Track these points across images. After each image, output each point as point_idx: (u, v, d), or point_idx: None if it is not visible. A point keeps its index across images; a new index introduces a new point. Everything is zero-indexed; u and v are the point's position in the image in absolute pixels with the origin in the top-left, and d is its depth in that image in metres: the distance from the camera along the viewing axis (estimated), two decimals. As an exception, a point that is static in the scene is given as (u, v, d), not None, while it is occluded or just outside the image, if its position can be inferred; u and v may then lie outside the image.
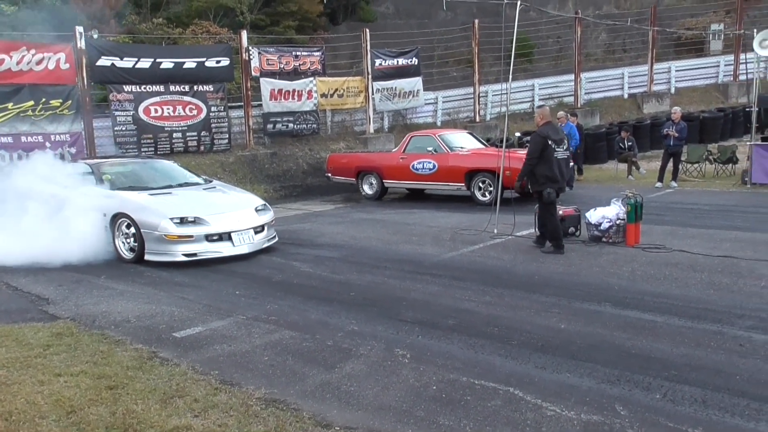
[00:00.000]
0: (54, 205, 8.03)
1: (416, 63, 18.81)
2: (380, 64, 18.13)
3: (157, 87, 14.58)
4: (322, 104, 17.24)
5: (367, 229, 9.66)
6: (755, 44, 12.99)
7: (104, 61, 13.91)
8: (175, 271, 7.17)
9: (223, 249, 7.60)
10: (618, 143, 15.68)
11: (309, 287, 6.37)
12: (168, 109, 14.74)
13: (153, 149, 14.29)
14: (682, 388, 3.82)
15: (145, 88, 14.42)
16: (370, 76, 17.82)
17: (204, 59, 15.18)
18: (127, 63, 14.18)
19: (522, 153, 11.99)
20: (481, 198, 11.42)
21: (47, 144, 12.96)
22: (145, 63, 14.38)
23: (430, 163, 12.03)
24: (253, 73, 16.07)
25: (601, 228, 7.99)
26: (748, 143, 13.49)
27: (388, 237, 8.94)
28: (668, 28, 23.74)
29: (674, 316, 5.09)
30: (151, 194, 8.09)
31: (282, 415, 3.62)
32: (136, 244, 7.65)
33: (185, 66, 14.91)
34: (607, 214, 8.02)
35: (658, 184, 13.26)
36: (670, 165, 13.38)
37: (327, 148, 17.00)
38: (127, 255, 7.76)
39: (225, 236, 7.62)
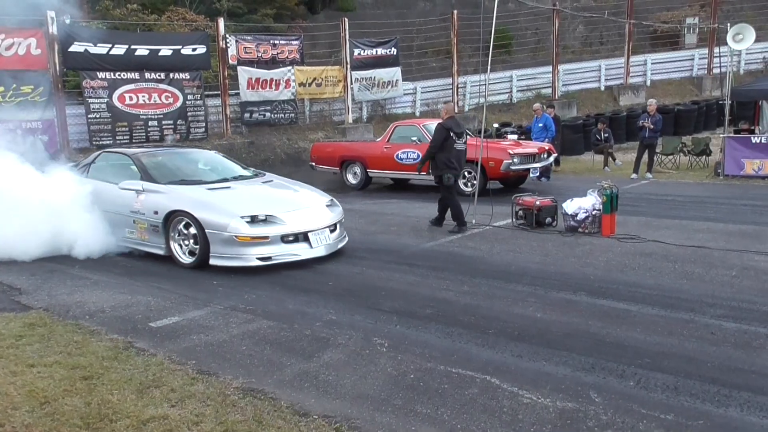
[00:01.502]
0: (99, 201, 7.39)
1: (395, 53, 18.76)
2: (359, 54, 18.05)
3: (132, 74, 14.35)
4: (300, 93, 17.13)
5: (346, 218, 9.63)
6: (729, 38, 13.20)
7: (77, 47, 13.64)
8: (150, 261, 7.08)
9: (301, 251, 6.68)
10: (595, 135, 15.85)
11: (286, 277, 6.35)
12: (143, 96, 14.52)
13: (128, 137, 14.09)
14: (654, 375, 3.89)
15: (119, 75, 14.18)
16: (348, 66, 17.74)
17: (180, 47, 14.96)
18: (101, 49, 13.92)
19: (505, 144, 12.13)
20: (463, 188, 11.45)
21: (19, 131, 12.69)
22: (119, 49, 14.13)
23: (414, 152, 12.02)
24: (230, 61, 15.89)
25: (578, 218, 8.08)
26: (721, 135, 13.72)
27: (367, 227, 8.93)
28: (644, 21, 23.99)
29: (648, 305, 5.18)
30: (210, 189, 7.15)
31: (260, 405, 3.61)
32: (197, 246, 6.66)
33: (161, 53, 14.68)
34: (583, 204, 8.11)
35: (634, 176, 13.44)
36: (646, 157, 13.57)
37: (305, 137, 16.91)
38: (185, 259, 6.78)
39: (301, 237, 6.70)
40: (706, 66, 23.51)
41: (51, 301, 5.72)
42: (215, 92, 16.32)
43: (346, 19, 17.97)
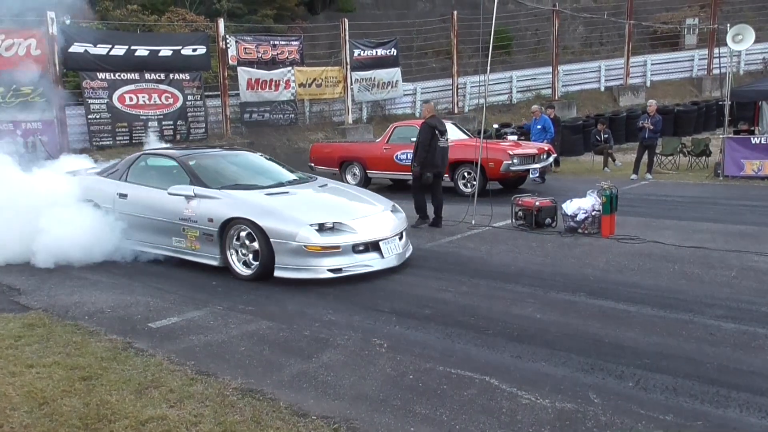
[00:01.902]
0: (141, 208, 6.98)
1: (395, 54, 18.79)
2: (359, 55, 18.08)
3: (132, 75, 14.40)
4: (300, 94, 17.15)
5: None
6: (728, 39, 13.20)
7: (77, 48, 13.67)
8: (149, 262, 7.07)
9: (373, 262, 6.20)
10: (594, 135, 15.86)
11: (285, 278, 6.34)
12: (143, 97, 14.56)
13: (128, 138, 14.11)
14: (653, 376, 3.89)
15: (119, 76, 14.22)
16: (348, 67, 17.76)
17: (180, 47, 14.99)
18: (101, 50, 13.95)
19: (505, 145, 12.13)
20: (463, 189, 11.45)
21: (18, 132, 12.72)
22: (119, 50, 14.17)
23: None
24: (230, 62, 15.92)
25: (577, 219, 8.08)
26: (720, 136, 13.73)
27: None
28: (644, 22, 24.01)
29: (647, 306, 5.17)
30: (268, 194, 6.60)
31: (258, 405, 3.61)
32: (257, 257, 6.16)
33: (161, 54, 14.72)
34: (582, 205, 8.10)
35: (634, 176, 13.44)
36: (645, 157, 13.57)
37: (305, 138, 16.92)
38: (244, 271, 6.26)
39: (371, 246, 6.22)
40: (705, 67, 23.53)
41: (50, 302, 5.72)
42: (215, 93, 16.34)
43: (346, 20, 18.00)
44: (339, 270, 6.00)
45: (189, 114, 15.22)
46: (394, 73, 18.77)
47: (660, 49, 25.01)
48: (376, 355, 4.33)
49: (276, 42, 16.81)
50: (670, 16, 25.88)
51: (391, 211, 6.85)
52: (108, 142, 13.81)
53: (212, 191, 6.56)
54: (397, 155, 12.34)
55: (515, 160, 11.26)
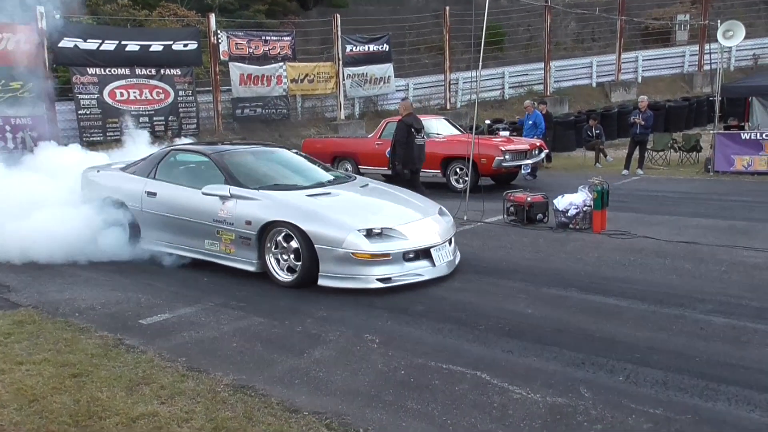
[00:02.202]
0: (172, 208, 6.56)
1: (387, 49, 18.77)
2: (351, 50, 18.04)
3: (123, 70, 14.32)
4: (292, 90, 17.11)
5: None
6: (719, 35, 13.26)
7: (67, 43, 13.57)
8: (140, 258, 7.02)
9: (423, 271, 5.76)
10: (586, 131, 15.90)
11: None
12: (134, 92, 14.49)
13: (119, 134, 14.03)
14: (644, 370, 3.91)
15: (110, 71, 14.13)
16: (340, 62, 17.72)
17: (171, 42, 14.92)
18: (91, 45, 13.86)
19: (497, 141, 12.15)
20: (456, 185, 11.45)
21: (7, 128, 12.62)
22: (109, 45, 14.08)
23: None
24: (221, 57, 15.85)
25: (569, 215, 8.11)
26: (711, 132, 13.81)
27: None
28: (636, 18, 24.07)
29: (638, 301, 5.20)
30: (310, 195, 6.14)
31: (250, 401, 3.61)
32: (298, 262, 5.76)
33: (151, 49, 14.64)
34: (574, 200, 8.13)
35: (625, 172, 13.50)
36: (637, 153, 13.62)
37: (297, 134, 16.88)
38: (284, 277, 5.84)
39: (422, 253, 5.81)
40: (696, 63, 23.64)
41: (40, 299, 5.68)
42: (207, 88, 16.26)
43: (338, 15, 17.96)
44: (388, 279, 5.56)
45: (180, 109, 15.15)
46: (387, 68, 18.75)
47: (651, 45, 25.11)
48: (368, 350, 4.33)
49: (268, 37, 16.75)
50: (662, 12, 25.97)
51: (439, 214, 6.41)
52: (98, 138, 13.72)
53: (250, 191, 6.09)
54: (389, 151, 12.33)
55: (507, 156, 11.28)
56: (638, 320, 4.77)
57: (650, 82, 23.01)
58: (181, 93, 15.10)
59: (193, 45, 15.20)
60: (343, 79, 17.82)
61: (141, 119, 14.44)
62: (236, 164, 6.62)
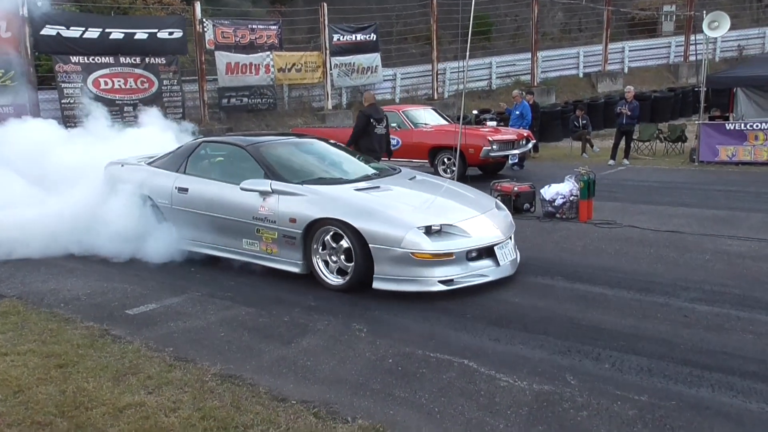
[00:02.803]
0: (205, 204, 6.12)
1: (375, 39, 18.69)
2: (338, 40, 17.95)
3: (107, 58, 14.14)
4: (279, 79, 17.00)
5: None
6: (704, 26, 13.33)
7: (49, 30, 13.38)
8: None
9: (488, 271, 5.29)
10: (573, 121, 15.96)
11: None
12: (119, 81, 14.33)
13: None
14: (629, 357, 3.95)
15: (93, 60, 13.96)
16: (327, 52, 17.63)
17: (156, 30, 14.75)
18: (74, 32, 13.67)
19: (484, 131, 12.16)
20: (443, 175, 11.46)
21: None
22: (93, 33, 13.89)
23: (393, 139, 11.98)
24: (207, 45, 15.71)
25: (555, 204, 8.15)
26: (696, 122, 13.91)
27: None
28: (622, 8, 24.15)
29: (623, 289, 5.24)
30: (359, 190, 5.67)
31: (238, 391, 3.60)
32: (349, 263, 5.29)
33: (136, 37, 14.48)
34: (560, 190, 8.17)
35: (611, 162, 13.58)
36: (623, 143, 13.70)
37: (284, 123, 16.80)
38: (333, 280, 5.38)
39: (485, 252, 5.35)
40: (682, 53, 23.79)
41: (24, 289, 5.63)
42: (192, 77, 16.12)
43: (325, 4, 17.83)
44: (450, 282, 5.08)
45: (165, 99, 15.00)
46: (374, 58, 18.69)
47: (638, 36, 25.22)
48: (356, 339, 4.34)
49: (254, 26, 16.61)
50: (648, 2, 26.09)
51: (496, 208, 5.97)
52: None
53: (293, 186, 5.62)
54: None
55: (495, 146, 11.30)
56: (624, 308, 4.82)
57: (636, 73, 23.13)
58: (165, 82, 14.96)
59: (178, 33, 15.04)
60: (330, 69, 17.74)
61: (125, 109, 14.29)
62: (276, 157, 6.14)
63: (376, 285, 5.13)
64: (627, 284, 5.37)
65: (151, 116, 9.52)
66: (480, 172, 12.05)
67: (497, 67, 21.64)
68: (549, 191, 8.26)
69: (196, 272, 6.07)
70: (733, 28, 15.49)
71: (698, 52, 15.83)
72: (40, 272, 6.15)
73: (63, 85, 13.57)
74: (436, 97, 19.80)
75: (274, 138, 6.90)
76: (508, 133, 12.20)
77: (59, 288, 5.64)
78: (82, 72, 13.78)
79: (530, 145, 12.78)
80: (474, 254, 5.25)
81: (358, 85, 18.96)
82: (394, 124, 12.23)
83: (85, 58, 13.80)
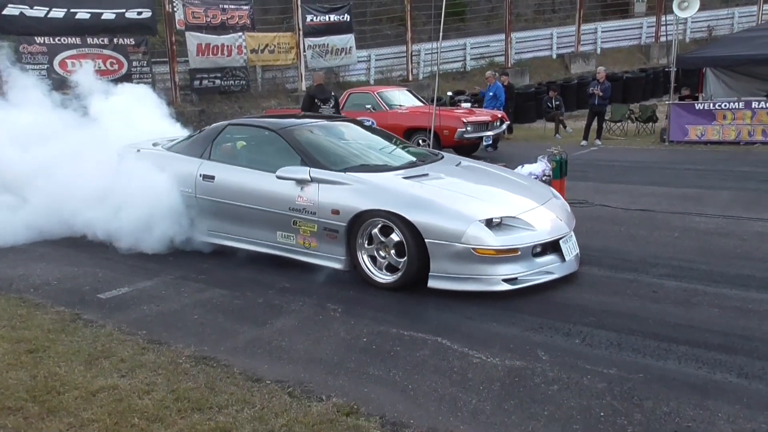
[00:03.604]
0: (233, 194, 5.65)
1: (348, 20, 18.52)
2: (311, 20, 17.75)
3: (73, 39, 13.80)
4: (252, 60, 16.79)
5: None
6: (675, 6, 13.46)
7: (12, 10, 13.01)
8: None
9: (554, 268, 4.84)
10: (546, 103, 16.07)
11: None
12: (86, 63, 13.96)
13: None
14: (599, 332, 4.03)
15: (59, 40, 13.62)
16: (301, 32, 17.43)
17: (124, 10, 14.44)
18: (38, 12, 13.31)
19: (459, 112, 12.17)
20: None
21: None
22: (58, 12, 13.54)
23: (368, 120, 11.95)
24: (177, 26, 15.42)
25: (529, 184, 8.21)
26: (667, 103, 14.09)
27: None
28: (595, -11, 24.25)
29: (594, 267, 5.32)
30: (407, 178, 5.18)
31: (212, 372, 3.60)
32: (401, 260, 4.84)
33: (103, 17, 14.16)
34: (534, 170, 8.21)
35: (584, 143, 13.72)
36: (595, 124, 13.84)
37: (258, 105, 16.62)
38: (382, 277, 4.92)
39: (549, 247, 4.89)
40: (654, 34, 24.01)
41: (-8, 275, 5.52)
42: (163, 59, 15.83)
43: (298, -16, 17.58)
44: (514, 280, 4.63)
45: (135, 80, 14.66)
46: (348, 39, 18.53)
47: (611, 17, 25.37)
48: (330, 319, 4.36)
49: (225, 6, 16.33)
50: (620, -17, 26.21)
51: (554, 197, 5.54)
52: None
53: (335, 174, 5.14)
54: None
55: (469, 128, 11.33)
56: (594, 285, 4.90)
57: (609, 54, 23.30)
58: (135, 63, 14.67)
59: (147, 13, 14.73)
60: (304, 50, 17.56)
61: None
62: (312, 141, 5.66)
63: (432, 284, 4.69)
64: (598, 262, 5.46)
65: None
66: (454, 153, 12.06)
67: (471, 48, 21.62)
68: (522, 171, 8.30)
69: (168, 255, 6.00)
70: (702, 8, 15.70)
71: (669, 32, 16.01)
72: (7, 257, 6.03)
73: (28, 66, 13.20)
74: (410, 78, 19.74)
75: (305, 121, 6.34)
76: (483, 115, 12.24)
77: (29, 273, 5.55)
78: (48, 53, 13.44)
79: (504, 127, 12.84)
80: (539, 249, 4.80)
81: (332, 67, 18.81)
82: (368, 106, 12.20)
83: (51, 38, 13.45)
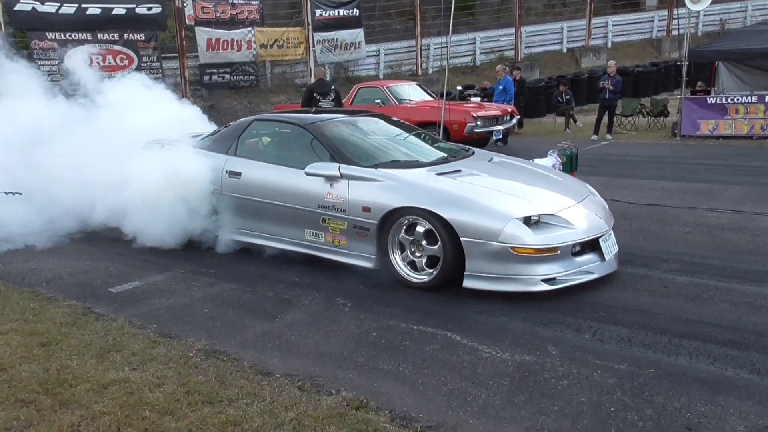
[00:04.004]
0: (260, 190, 5.54)
1: (357, 14, 18.49)
2: (321, 15, 17.73)
3: (84, 34, 13.85)
4: (261, 55, 16.81)
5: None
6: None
7: (24, 6, 13.08)
8: (108, 228, 6.83)
9: (594, 267, 4.69)
10: (556, 97, 15.98)
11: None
12: (96, 59, 14.03)
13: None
14: (609, 328, 4.01)
15: (70, 36, 13.67)
16: (310, 27, 17.42)
17: (134, 5, 14.49)
18: (50, 7, 13.38)
19: (468, 107, 12.13)
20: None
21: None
22: (69, 8, 13.61)
23: None
24: (187, 21, 15.45)
25: (539, 179, 8.17)
26: (678, 97, 13.97)
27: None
28: (606, -18, 24.05)
29: (604, 262, 5.29)
30: (440, 174, 5.06)
31: (222, 366, 3.62)
32: (439, 258, 4.69)
33: (114, 12, 14.21)
34: (544, 165, 8.19)
35: (594, 137, 13.63)
36: (606, 118, 13.75)
37: (267, 100, 16.64)
38: (416, 276, 4.81)
39: (588, 246, 4.72)
40: (665, 28, 23.80)
41: (5, 269, 5.57)
42: (173, 54, 15.88)
43: (307, -21, 17.56)
44: (553, 280, 4.48)
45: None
46: (357, 34, 18.49)
47: (621, 11, 25.16)
48: (340, 314, 4.37)
49: (235, 1, 16.34)
50: (632, -24, 25.98)
51: (591, 194, 5.42)
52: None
53: (365, 171, 5.02)
54: None
55: (479, 122, 11.30)
56: (605, 280, 4.86)
57: (620, 48, 23.13)
58: (145, 59, 14.72)
59: (157, 9, 14.77)
60: (313, 45, 17.54)
61: (105, 86, 14.06)
62: (341, 137, 5.54)
63: (468, 283, 4.55)
64: (608, 257, 5.42)
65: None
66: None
67: (481, 42, 21.52)
68: (532, 166, 8.29)
69: (178, 250, 6.03)
70: (715, 1, 15.53)
71: (681, 26, 15.86)
72: (21, 252, 6.08)
73: (40, 63, 13.28)
74: (420, 73, 19.69)
75: (334, 116, 6.21)
76: (493, 109, 12.19)
77: (41, 267, 5.60)
78: (59, 49, 13.50)
79: (514, 121, 12.79)
80: (577, 248, 4.64)
81: (342, 62, 18.79)
82: (378, 100, 12.18)
83: (62, 34, 13.52)
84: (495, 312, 4.31)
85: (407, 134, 6.10)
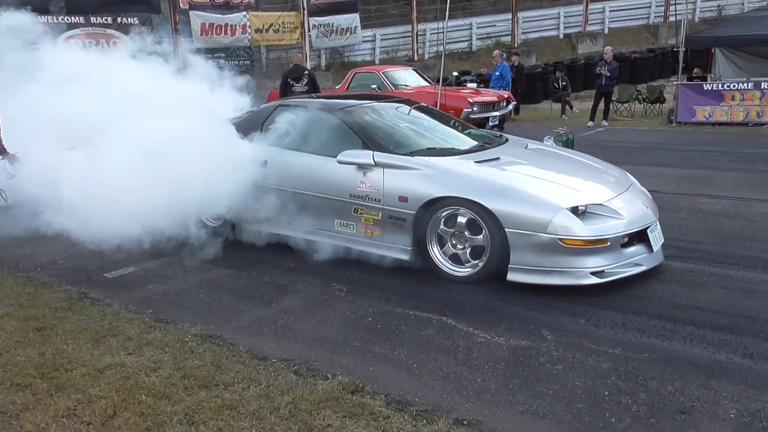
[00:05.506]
0: (286, 178, 5.30)
1: (353, -2, 18.34)
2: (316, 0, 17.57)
3: (76, 18, 13.70)
4: (256, 40, 16.68)
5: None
6: (685, -15, 13.27)
7: (16, -11, 12.88)
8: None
9: (642, 259, 4.50)
10: (552, 83, 15.94)
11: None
12: (90, 43, 13.91)
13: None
14: (604, 313, 4.03)
15: (63, 20, 13.52)
16: (305, 12, 17.29)
17: (127, -11, 14.31)
18: (42, -9, 13.20)
19: (465, 92, 12.09)
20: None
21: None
22: (61, -9, 13.43)
23: None
24: (181, 5, 15.31)
25: (534, 165, 8.17)
26: (675, 83, 13.95)
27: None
28: (604, -33, 23.91)
29: (600, 247, 5.30)
30: (479, 162, 4.83)
31: (218, 350, 3.62)
32: (484, 247, 4.48)
33: (107, -4, 14.04)
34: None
35: (590, 123, 13.63)
36: (602, 104, 13.73)
37: (262, 85, 16.50)
38: (457, 270, 4.61)
39: (636, 237, 4.52)
40: (662, 14, 23.71)
41: (-1, 254, 5.56)
42: (166, 39, 15.72)
43: (302, -38, 17.40)
44: (602, 273, 4.29)
45: (140, 60, 14.64)
46: (353, 19, 18.36)
47: (618, -4, 25.04)
48: (336, 299, 4.37)
49: (229, -15, 16.19)
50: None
51: (634, 183, 5.22)
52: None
53: (401, 158, 4.79)
54: None
55: (475, 108, 11.27)
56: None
57: (617, 34, 23.05)
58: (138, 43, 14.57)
59: (150, -8, 14.62)
60: (309, 30, 17.42)
61: (99, 71, 13.95)
62: (372, 123, 5.29)
63: (512, 276, 4.35)
64: (603, 242, 5.43)
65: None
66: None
67: (477, 28, 21.42)
68: (528, 152, 8.28)
69: (174, 236, 5.98)
70: (713, -13, 15.44)
71: (678, 12, 15.80)
72: (15, 237, 6.05)
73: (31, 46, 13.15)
74: (416, 58, 19.59)
75: (362, 102, 5.83)
76: (489, 95, 12.16)
77: (35, 252, 5.58)
78: (51, 33, 13.35)
79: (510, 107, 12.76)
80: (626, 239, 4.44)
81: (338, 47, 18.68)
82: (374, 86, 12.13)
83: (54, 18, 13.38)
84: (490, 297, 4.32)
85: (437, 121, 5.88)
